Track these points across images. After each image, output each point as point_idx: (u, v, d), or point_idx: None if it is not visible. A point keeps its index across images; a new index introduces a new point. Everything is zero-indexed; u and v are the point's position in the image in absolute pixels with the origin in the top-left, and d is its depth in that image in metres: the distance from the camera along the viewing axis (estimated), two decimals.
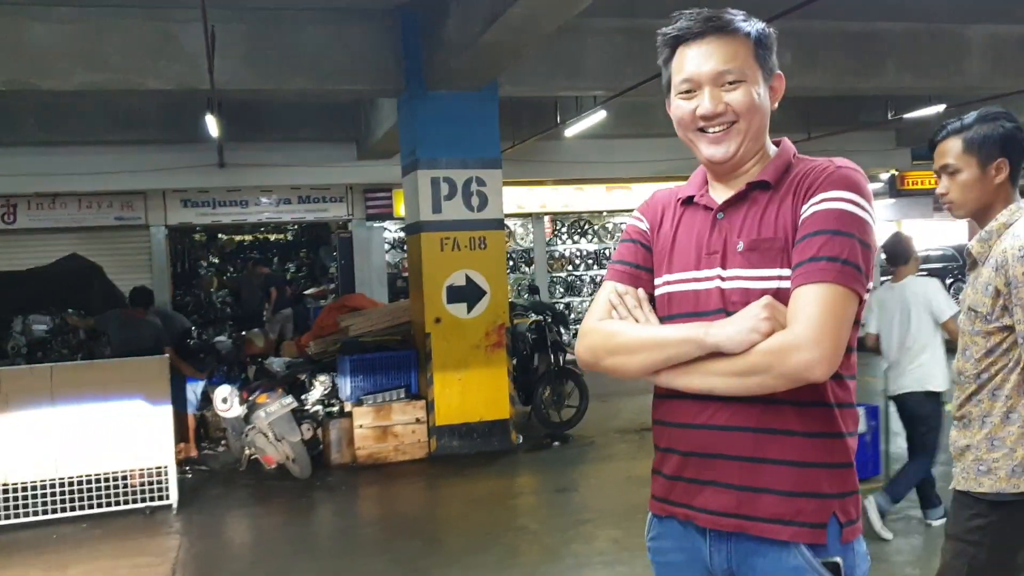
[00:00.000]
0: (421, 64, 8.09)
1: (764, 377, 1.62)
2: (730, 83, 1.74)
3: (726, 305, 1.74)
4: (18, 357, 7.84)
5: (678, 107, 1.80)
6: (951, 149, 2.67)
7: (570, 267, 16.06)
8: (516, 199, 14.16)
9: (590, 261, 16.16)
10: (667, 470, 1.84)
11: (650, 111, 12.95)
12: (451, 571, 5.26)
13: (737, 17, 1.77)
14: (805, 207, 1.69)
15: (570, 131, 11.66)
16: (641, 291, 1.88)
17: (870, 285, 1.70)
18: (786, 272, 1.69)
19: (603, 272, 15.75)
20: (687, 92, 1.78)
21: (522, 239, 15.59)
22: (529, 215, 15.18)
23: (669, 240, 1.88)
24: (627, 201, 15.28)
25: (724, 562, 1.77)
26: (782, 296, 1.67)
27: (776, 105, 1.82)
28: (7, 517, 6.37)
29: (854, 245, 1.64)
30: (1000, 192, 2.63)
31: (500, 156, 8.60)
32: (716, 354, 1.67)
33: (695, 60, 1.76)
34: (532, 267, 15.53)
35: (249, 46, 7.79)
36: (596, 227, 16.12)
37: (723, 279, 1.76)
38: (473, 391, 8.35)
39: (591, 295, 15.90)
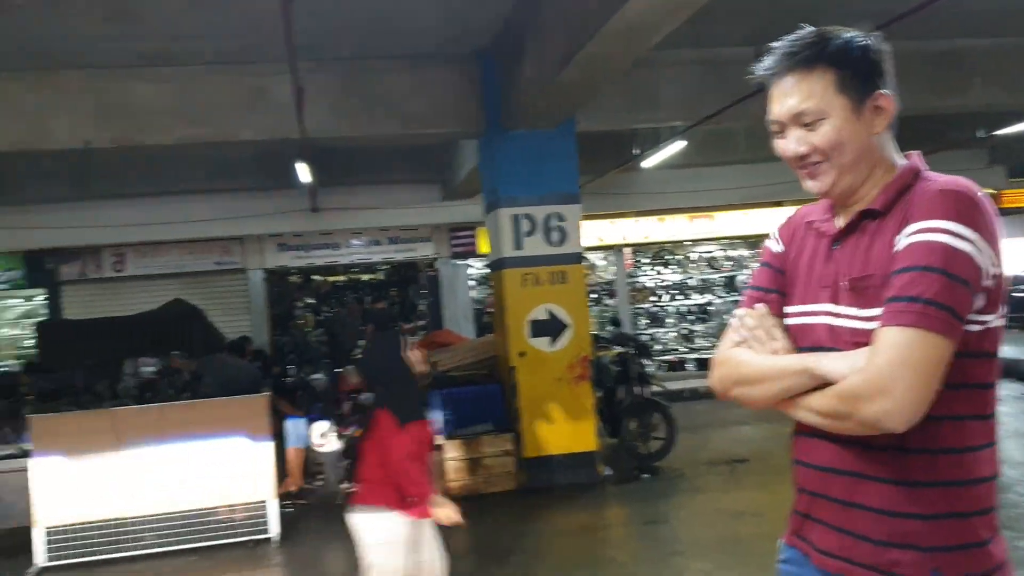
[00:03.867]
0: (500, 105, 8.33)
1: (847, 422, 1.58)
2: (809, 123, 1.70)
3: (837, 343, 1.68)
4: (128, 398, 8.29)
5: (775, 145, 1.80)
6: None
7: (653, 298, 16.01)
8: (597, 232, 14.25)
9: (674, 292, 16.07)
10: (796, 506, 1.84)
11: (731, 138, 12.93)
12: None
13: (820, 45, 1.69)
14: (899, 237, 1.61)
15: (649, 162, 11.74)
16: (769, 315, 1.83)
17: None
18: None
19: (688, 302, 15.76)
20: (776, 132, 1.77)
21: (603, 272, 15.63)
22: (610, 247, 15.24)
23: (795, 267, 1.85)
24: (710, 230, 15.19)
25: None
26: None
27: (884, 126, 1.71)
28: (124, 549, 6.73)
29: (941, 282, 1.52)
30: None
31: (578, 191, 8.73)
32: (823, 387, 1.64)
33: (777, 101, 1.74)
34: (615, 299, 15.54)
35: (336, 95, 8.14)
36: (679, 257, 16.05)
37: (834, 315, 1.71)
38: (559, 423, 8.43)
39: (676, 326, 15.80)
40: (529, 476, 8.31)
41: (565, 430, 8.44)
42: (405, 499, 4.01)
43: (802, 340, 1.76)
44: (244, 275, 14.22)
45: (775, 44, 1.75)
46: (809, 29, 1.74)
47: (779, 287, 1.85)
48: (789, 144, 1.74)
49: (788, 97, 1.71)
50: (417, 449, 4.08)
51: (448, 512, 4.07)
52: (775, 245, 1.92)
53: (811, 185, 1.75)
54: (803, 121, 1.70)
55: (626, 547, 6.60)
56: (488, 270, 14.98)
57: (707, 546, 6.21)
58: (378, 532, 4.05)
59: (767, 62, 1.75)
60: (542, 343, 8.44)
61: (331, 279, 16.81)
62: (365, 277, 17.02)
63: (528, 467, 8.33)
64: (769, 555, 2.00)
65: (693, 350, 15.66)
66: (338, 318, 15.14)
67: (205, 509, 6.87)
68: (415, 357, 4.33)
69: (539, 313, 8.46)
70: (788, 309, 1.82)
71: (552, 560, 6.33)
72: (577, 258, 8.64)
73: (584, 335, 8.60)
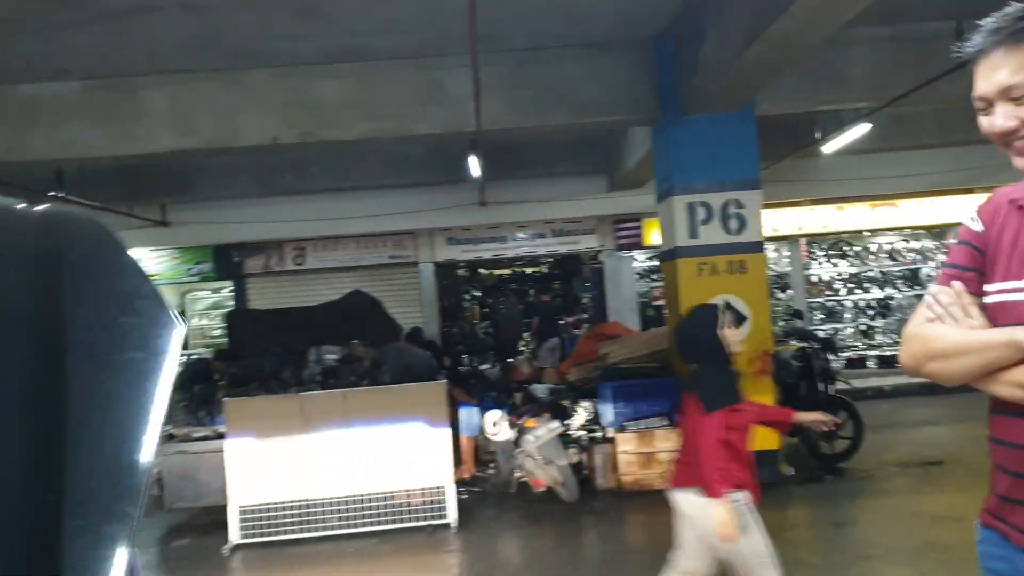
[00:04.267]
0: (676, 90, 8.07)
1: None
2: (1018, 97, 1.66)
3: None
4: (312, 384, 8.63)
5: (979, 123, 1.75)
6: None
7: (829, 292, 15.25)
8: (771, 221, 13.69)
9: (852, 285, 15.25)
10: (995, 488, 1.78)
11: (918, 120, 12.11)
12: None
13: None
14: None
15: (830, 147, 11.15)
16: (964, 292, 1.78)
17: None
18: None
19: (866, 296, 14.93)
20: (982, 109, 1.73)
21: (774, 263, 14.98)
22: (784, 238, 14.61)
23: (996, 245, 1.78)
24: (893, 219, 14.32)
25: None
26: None
27: None
28: (310, 530, 6.98)
29: None
30: None
31: (758, 176, 8.37)
32: None
33: (983, 76, 1.70)
34: (787, 292, 14.90)
35: (509, 87, 8.14)
36: (857, 248, 15.22)
37: None
38: None
39: (853, 321, 15.03)
40: None
41: None
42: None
43: (1003, 318, 1.71)
44: (416, 268, 14.57)
45: (981, 21, 1.69)
46: (1018, 5, 1.67)
47: (977, 266, 1.80)
48: (996, 120, 1.69)
49: (996, 72, 1.66)
50: (721, 436, 3.77)
51: (724, 518, 3.71)
52: (974, 224, 1.85)
53: (1021, 162, 1.70)
54: (1012, 95, 1.65)
55: (815, 549, 6.26)
56: (654, 262, 14.78)
57: (904, 551, 5.80)
58: (698, 512, 3.88)
59: (974, 39, 1.70)
60: None
61: (497, 272, 17.03)
62: (529, 270, 17.14)
63: None
64: (976, 563, 1.86)
65: (873, 347, 14.83)
66: (500, 310, 15.31)
67: (385, 493, 7.03)
68: (730, 336, 3.96)
69: None
70: (988, 287, 1.77)
71: None
72: (757, 247, 8.28)
73: (765, 328, 8.24)
